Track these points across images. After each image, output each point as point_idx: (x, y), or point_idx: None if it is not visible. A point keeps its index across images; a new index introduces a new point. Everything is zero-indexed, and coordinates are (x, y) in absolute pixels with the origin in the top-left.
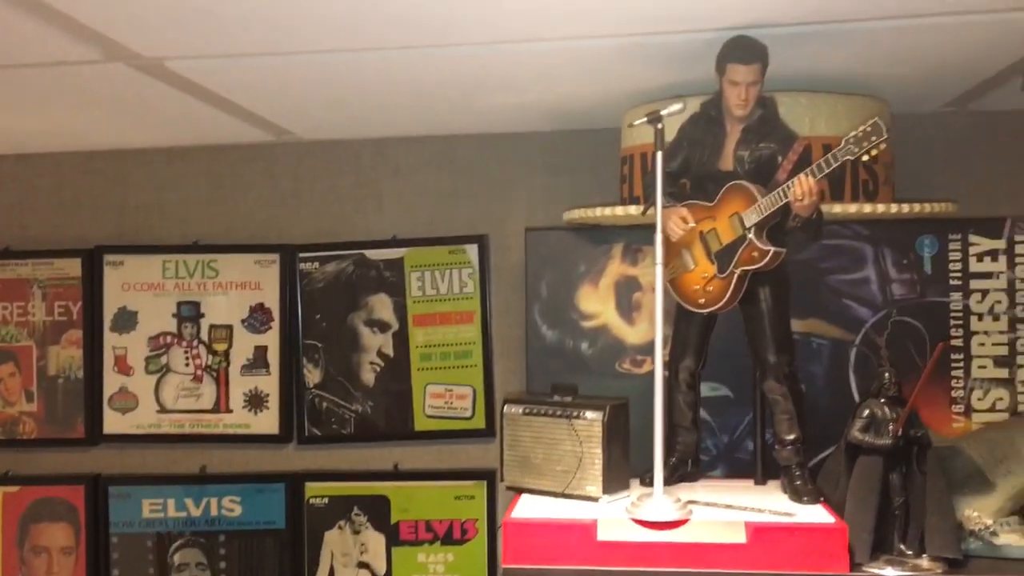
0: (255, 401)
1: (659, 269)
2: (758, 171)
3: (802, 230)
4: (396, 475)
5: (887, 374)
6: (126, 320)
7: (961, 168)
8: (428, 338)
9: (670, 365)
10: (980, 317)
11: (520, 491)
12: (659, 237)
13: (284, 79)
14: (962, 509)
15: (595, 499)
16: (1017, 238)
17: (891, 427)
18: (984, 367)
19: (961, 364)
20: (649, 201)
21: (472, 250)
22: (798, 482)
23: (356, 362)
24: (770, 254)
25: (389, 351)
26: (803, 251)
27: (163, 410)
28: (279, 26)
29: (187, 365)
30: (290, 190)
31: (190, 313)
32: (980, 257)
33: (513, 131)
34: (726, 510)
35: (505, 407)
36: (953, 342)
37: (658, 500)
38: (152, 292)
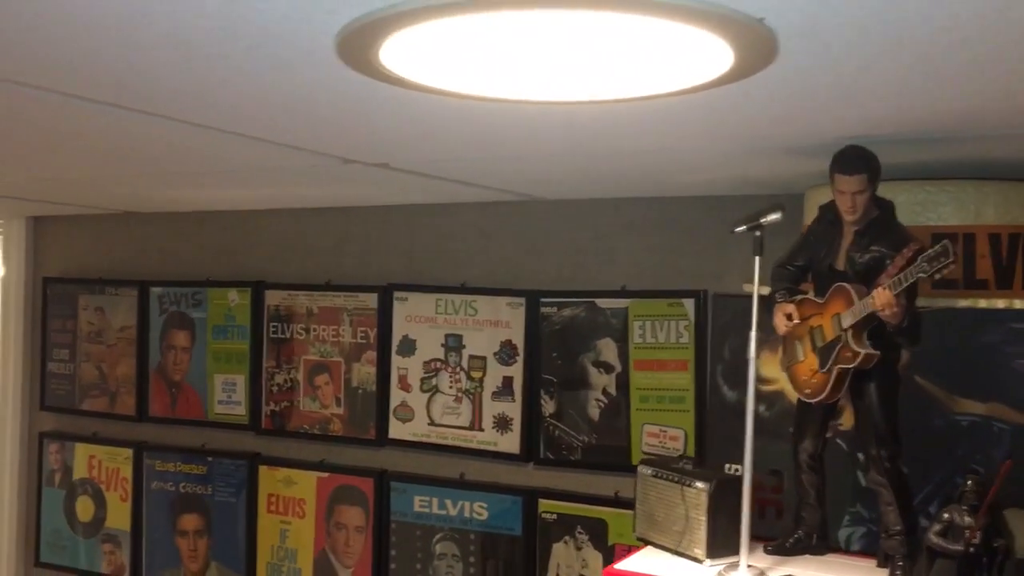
0: (502, 423)
1: (751, 362)
2: (867, 273)
3: (899, 336)
4: (615, 502)
5: (970, 481)
6: (408, 346)
7: None
8: (646, 381)
9: (792, 446)
10: None
11: (646, 542)
12: (753, 333)
13: (499, 170)
14: None
15: (700, 560)
16: None
17: (966, 534)
18: None
19: None
20: (770, 294)
21: (689, 304)
22: (898, 572)
23: (584, 397)
24: (861, 356)
25: (612, 390)
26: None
27: (432, 423)
28: (474, 142)
29: (451, 387)
30: (539, 242)
31: (455, 344)
32: None
33: (733, 194)
34: None
35: (639, 468)
36: None
37: (741, 570)
38: (427, 324)
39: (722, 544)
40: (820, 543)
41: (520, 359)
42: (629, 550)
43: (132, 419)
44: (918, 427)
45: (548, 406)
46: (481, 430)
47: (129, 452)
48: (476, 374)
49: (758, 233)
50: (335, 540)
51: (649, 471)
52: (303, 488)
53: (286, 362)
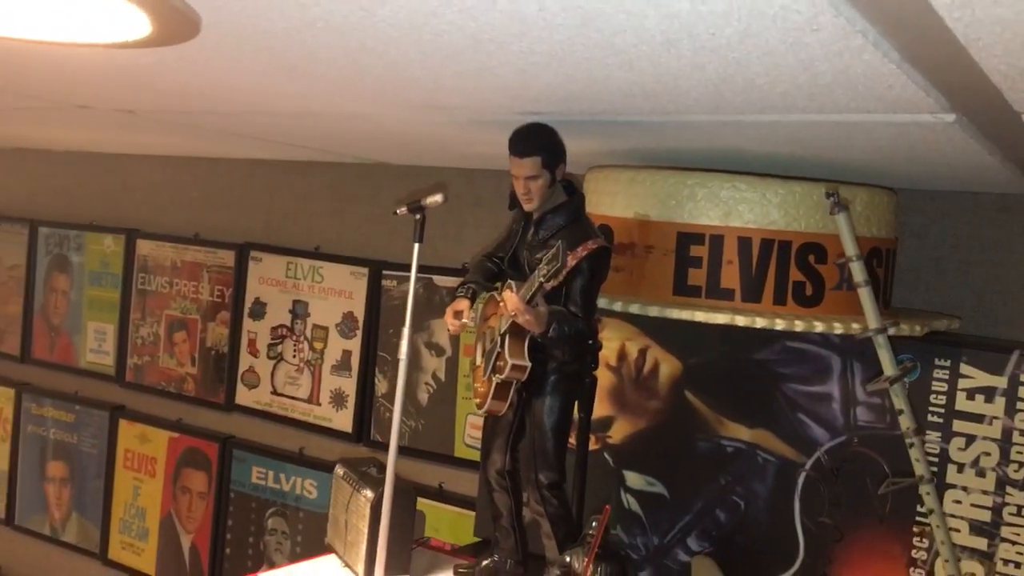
0: (338, 399)
1: (402, 363)
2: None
3: (552, 347)
4: (439, 494)
5: (595, 523)
6: (258, 309)
7: (971, 269)
8: None
9: (481, 461)
10: (960, 468)
11: (332, 550)
12: (406, 331)
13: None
14: None
15: None
16: None
17: None
18: (957, 530)
19: (928, 521)
20: (455, 287)
21: None
22: None
23: (414, 380)
24: (508, 367)
25: (442, 375)
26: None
27: (275, 392)
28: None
29: (294, 357)
30: (390, 209)
31: (301, 311)
32: (971, 394)
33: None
34: None
35: (336, 466)
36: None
37: None
38: (277, 288)
39: (390, 563)
40: (516, 568)
41: (359, 333)
42: (449, 549)
43: (16, 359)
44: (682, 449)
45: (381, 385)
46: (319, 404)
47: (11, 392)
48: (318, 345)
49: (418, 216)
50: (180, 504)
51: (341, 471)
52: (155, 447)
53: (150, 315)
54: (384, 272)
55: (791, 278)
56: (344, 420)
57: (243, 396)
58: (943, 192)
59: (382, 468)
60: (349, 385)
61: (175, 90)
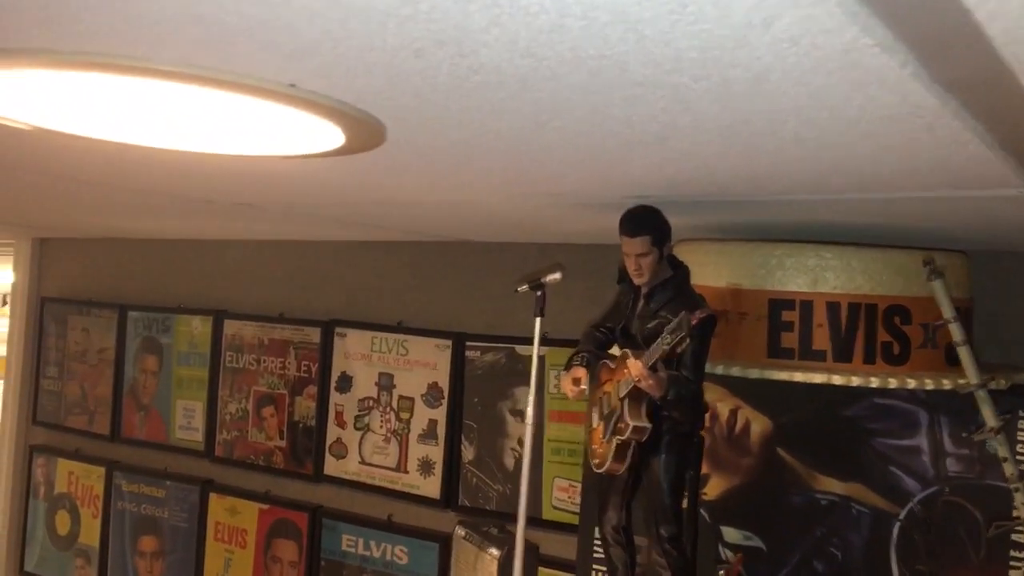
0: (425, 467)
1: (528, 426)
2: (653, 339)
3: (669, 409)
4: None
5: (722, 571)
6: (345, 383)
7: None
8: (560, 434)
9: (597, 518)
10: None
11: None
12: (531, 397)
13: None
14: None
15: None
16: None
17: None
18: None
19: (1022, 566)
20: (570, 356)
21: None
22: None
23: (500, 446)
24: (630, 428)
25: (527, 440)
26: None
27: (363, 462)
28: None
29: (381, 427)
30: (470, 283)
31: (387, 383)
32: None
33: None
34: None
35: (456, 528)
36: (1016, 535)
37: None
38: (363, 362)
39: None
40: None
41: (444, 402)
42: None
43: (106, 438)
44: (777, 503)
45: (468, 452)
46: (406, 472)
47: (102, 471)
48: (405, 415)
49: (539, 293)
50: (271, 573)
51: (462, 532)
52: (246, 518)
53: (238, 391)
54: (467, 343)
55: (879, 338)
56: (432, 487)
57: (331, 467)
58: (1010, 253)
59: (502, 528)
60: (436, 453)
61: (337, 189)
